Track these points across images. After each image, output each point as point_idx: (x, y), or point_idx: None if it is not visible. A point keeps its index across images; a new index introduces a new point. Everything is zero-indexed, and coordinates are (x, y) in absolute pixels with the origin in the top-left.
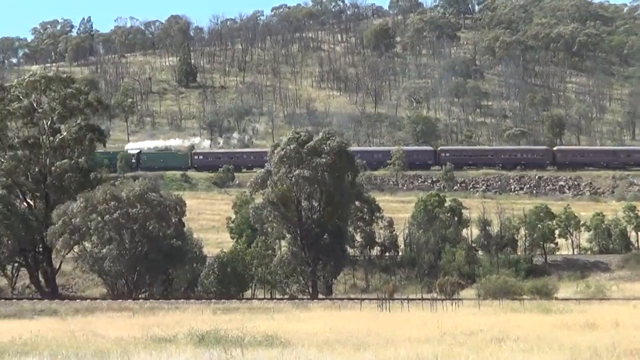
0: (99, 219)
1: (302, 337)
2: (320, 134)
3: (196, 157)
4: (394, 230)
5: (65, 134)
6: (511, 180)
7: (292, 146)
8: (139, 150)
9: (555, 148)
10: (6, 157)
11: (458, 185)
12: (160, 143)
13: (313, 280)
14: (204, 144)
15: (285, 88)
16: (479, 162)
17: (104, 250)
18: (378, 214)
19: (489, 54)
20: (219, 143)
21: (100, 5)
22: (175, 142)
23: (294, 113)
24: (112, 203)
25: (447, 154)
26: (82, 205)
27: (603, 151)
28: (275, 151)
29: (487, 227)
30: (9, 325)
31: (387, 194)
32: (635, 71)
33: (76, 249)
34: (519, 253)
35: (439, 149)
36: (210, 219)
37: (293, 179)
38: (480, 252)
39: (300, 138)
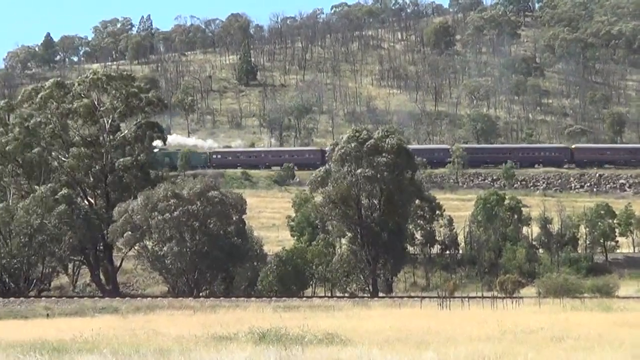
0: (160, 217)
1: (362, 335)
2: (379, 131)
3: (214, 156)
4: (453, 228)
5: (126, 131)
6: (571, 179)
7: (352, 144)
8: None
9: (573, 146)
10: (67, 155)
11: (518, 183)
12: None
13: (373, 278)
14: (268, 142)
15: (345, 86)
16: (496, 160)
17: (165, 248)
18: (438, 212)
19: (549, 51)
20: (288, 139)
21: (160, 4)
22: (236, 142)
23: (354, 111)
24: (172, 201)
25: (464, 152)
26: (143, 203)
27: (621, 149)
28: (336, 149)
29: (547, 225)
30: (71, 323)
31: (447, 192)
32: None
33: (137, 246)
34: (579, 251)
35: (454, 146)
36: (270, 217)
37: (354, 177)
38: (540, 250)
39: (360, 136)
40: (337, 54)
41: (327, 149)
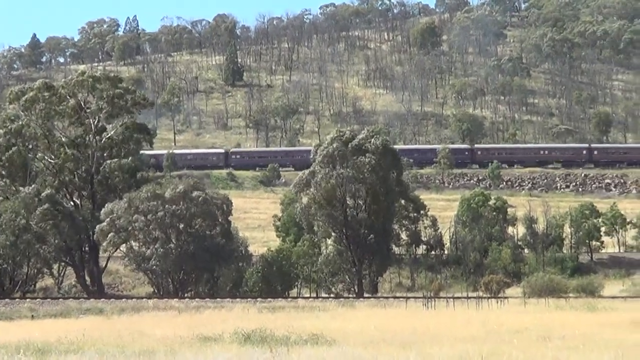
0: (143, 218)
1: (347, 335)
2: (364, 132)
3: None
4: (438, 229)
5: (112, 133)
6: (557, 179)
7: (335, 145)
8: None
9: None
10: (52, 156)
11: (504, 183)
12: None
13: (358, 278)
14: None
15: (331, 86)
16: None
17: (150, 249)
18: (423, 212)
19: (535, 51)
20: (275, 140)
21: (146, 5)
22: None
23: (340, 111)
24: (155, 202)
25: None
26: (126, 204)
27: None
28: (319, 150)
29: (533, 225)
30: (56, 324)
31: (433, 192)
32: None
33: (123, 247)
34: (564, 251)
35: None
36: (256, 218)
37: (337, 178)
38: (526, 251)
39: (344, 137)
40: (323, 55)
41: None
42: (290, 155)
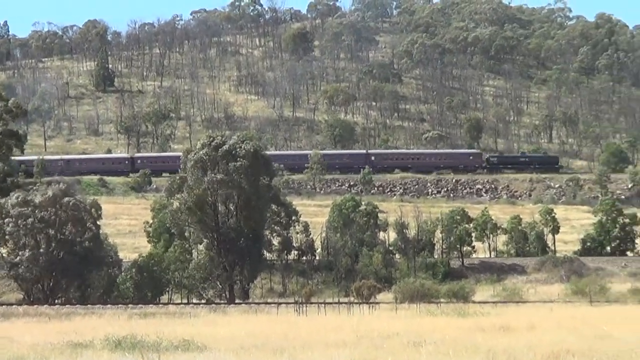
0: (12, 224)
1: (218, 341)
2: (234, 137)
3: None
4: (310, 234)
5: None
6: (428, 184)
7: (204, 150)
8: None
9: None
10: None
11: (375, 188)
12: None
13: (230, 284)
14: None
15: (203, 92)
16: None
17: (20, 256)
18: (295, 218)
19: (407, 57)
20: (146, 146)
21: (17, 10)
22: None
23: (211, 117)
24: (24, 208)
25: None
26: None
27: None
28: (189, 156)
29: (404, 231)
30: None
31: (304, 198)
32: (552, 74)
33: None
34: (436, 256)
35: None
36: (127, 224)
37: (208, 183)
38: (397, 256)
39: (213, 142)
40: (195, 60)
41: None
42: None
